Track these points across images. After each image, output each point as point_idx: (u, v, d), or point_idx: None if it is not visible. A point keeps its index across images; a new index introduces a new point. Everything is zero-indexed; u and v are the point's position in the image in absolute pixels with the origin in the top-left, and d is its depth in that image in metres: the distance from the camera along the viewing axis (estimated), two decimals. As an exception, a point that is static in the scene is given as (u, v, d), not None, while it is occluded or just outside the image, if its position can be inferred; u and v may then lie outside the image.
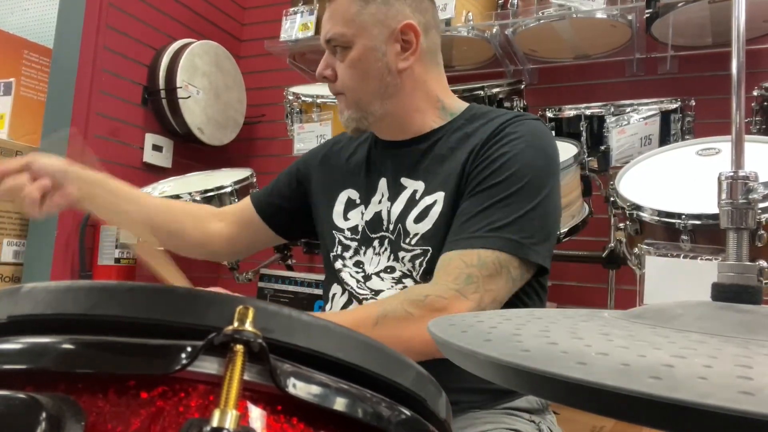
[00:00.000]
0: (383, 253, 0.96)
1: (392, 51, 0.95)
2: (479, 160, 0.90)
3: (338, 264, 1.01)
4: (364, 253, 0.98)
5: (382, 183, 1.00)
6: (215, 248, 1.18)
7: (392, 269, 0.94)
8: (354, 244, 1.00)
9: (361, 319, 0.80)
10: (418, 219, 0.94)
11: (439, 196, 0.93)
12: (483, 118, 0.98)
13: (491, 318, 0.41)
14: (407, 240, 0.94)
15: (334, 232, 1.03)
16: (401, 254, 0.94)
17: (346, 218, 1.03)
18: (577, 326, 0.36)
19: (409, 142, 1.00)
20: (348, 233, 1.01)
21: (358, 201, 1.02)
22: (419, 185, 0.96)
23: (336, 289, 1.02)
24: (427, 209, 0.93)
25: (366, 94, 0.96)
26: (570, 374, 0.25)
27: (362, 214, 1.00)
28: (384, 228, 0.97)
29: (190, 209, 1.20)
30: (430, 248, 0.91)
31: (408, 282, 0.93)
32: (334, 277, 1.02)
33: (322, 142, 1.36)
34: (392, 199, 0.98)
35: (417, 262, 0.92)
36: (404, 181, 0.98)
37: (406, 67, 0.96)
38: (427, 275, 0.90)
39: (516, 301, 0.90)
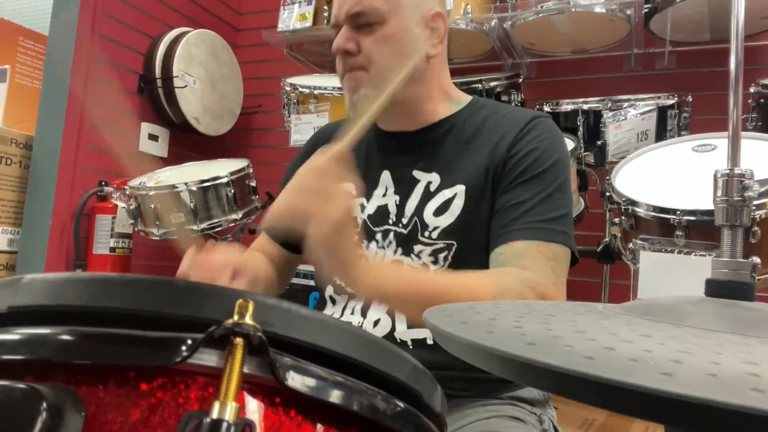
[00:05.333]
0: (388, 246, 0.95)
1: (422, 36, 0.95)
2: (510, 155, 0.91)
3: None
4: (367, 247, 0.97)
5: (385, 176, 0.99)
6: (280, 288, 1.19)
7: (400, 264, 0.93)
8: None
9: (480, 291, 0.81)
10: (438, 212, 0.92)
11: (459, 190, 0.92)
12: (495, 112, 0.98)
13: (488, 309, 0.41)
14: (426, 233, 0.92)
15: None
16: (418, 248, 0.92)
17: None
18: (576, 319, 0.36)
19: (416, 133, 0.99)
20: None
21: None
22: (434, 177, 0.95)
23: (330, 290, 0.99)
24: (448, 202, 0.92)
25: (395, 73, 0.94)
26: (579, 369, 0.25)
27: (363, 207, 0.99)
28: (390, 221, 0.96)
29: (269, 264, 1.16)
30: (454, 242, 0.90)
31: None
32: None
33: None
34: (401, 192, 0.97)
35: (441, 256, 0.91)
36: (417, 174, 0.97)
37: (434, 55, 0.96)
38: (454, 269, 0.89)
39: None
